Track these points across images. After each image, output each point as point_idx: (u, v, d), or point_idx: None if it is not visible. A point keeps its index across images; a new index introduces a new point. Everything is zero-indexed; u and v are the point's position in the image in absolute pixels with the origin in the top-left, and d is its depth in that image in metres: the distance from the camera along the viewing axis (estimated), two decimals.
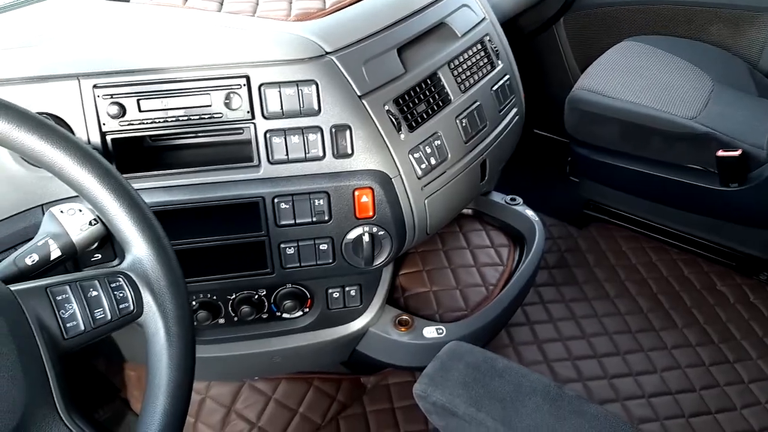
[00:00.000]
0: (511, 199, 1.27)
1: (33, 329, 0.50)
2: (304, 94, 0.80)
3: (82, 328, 0.53)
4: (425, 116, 0.91)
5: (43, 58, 0.77)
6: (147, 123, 0.78)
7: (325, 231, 0.85)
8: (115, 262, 0.82)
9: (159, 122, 0.78)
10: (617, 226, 1.66)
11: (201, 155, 0.86)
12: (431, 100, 0.93)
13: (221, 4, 0.92)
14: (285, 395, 1.19)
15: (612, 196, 1.61)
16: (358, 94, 0.83)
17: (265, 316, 0.97)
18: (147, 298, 0.55)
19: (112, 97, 0.76)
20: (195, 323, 0.96)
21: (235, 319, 0.95)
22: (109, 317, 0.54)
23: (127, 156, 0.80)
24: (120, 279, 0.55)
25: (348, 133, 0.82)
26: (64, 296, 0.52)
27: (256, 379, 1.23)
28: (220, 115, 0.79)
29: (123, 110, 0.77)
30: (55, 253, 0.60)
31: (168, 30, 0.84)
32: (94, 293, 0.54)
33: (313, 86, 0.80)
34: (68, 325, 0.52)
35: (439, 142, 0.92)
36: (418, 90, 0.91)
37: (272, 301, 0.96)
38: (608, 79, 1.47)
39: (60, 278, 0.53)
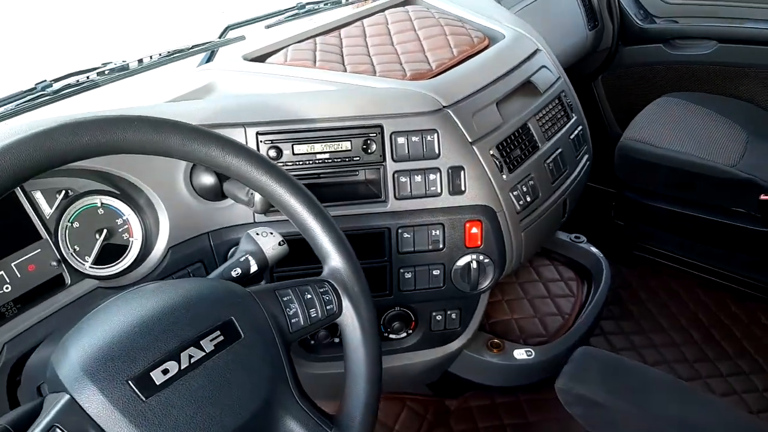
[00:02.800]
0: (575, 237, 1.40)
1: (270, 323, 0.62)
2: (426, 141, 0.95)
3: (302, 324, 0.65)
4: (520, 160, 1.05)
5: (214, 110, 0.91)
6: (299, 164, 0.92)
7: (438, 258, 0.98)
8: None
9: (309, 163, 0.92)
10: (665, 265, 1.77)
11: (328, 192, 1.00)
12: (524, 146, 1.07)
13: (344, 65, 1.08)
14: (383, 413, 1.30)
15: (660, 237, 1.74)
16: (469, 140, 0.98)
17: None
18: (345, 302, 0.67)
19: (272, 143, 0.90)
20: (314, 341, 1.08)
21: None
22: (319, 316, 0.66)
23: None
24: (326, 285, 0.67)
25: (462, 173, 0.96)
26: (288, 297, 0.65)
27: None
28: (358, 158, 0.94)
29: (280, 153, 0.91)
30: (253, 267, 0.72)
31: (313, 86, 1.00)
32: (308, 296, 0.66)
33: (435, 134, 0.95)
34: (293, 321, 0.64)
35: (532, 182, 1.05)
36: (513, 137, 1.05)
37: (381, 322, 1.07)
38: (652, 130, 1.61)
39: (283, 283, 0.66)
